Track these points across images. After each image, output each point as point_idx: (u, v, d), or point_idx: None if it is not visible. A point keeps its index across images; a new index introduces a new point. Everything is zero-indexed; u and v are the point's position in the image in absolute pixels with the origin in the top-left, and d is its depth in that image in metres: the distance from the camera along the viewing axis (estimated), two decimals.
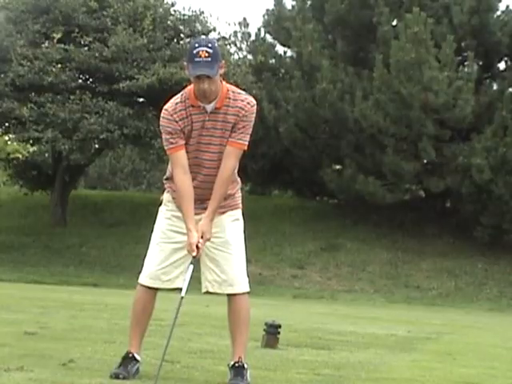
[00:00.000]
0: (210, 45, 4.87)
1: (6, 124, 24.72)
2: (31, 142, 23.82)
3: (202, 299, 12.52)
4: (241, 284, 4.99)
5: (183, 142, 4.97)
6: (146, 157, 27.52)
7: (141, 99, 24.22)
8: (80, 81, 23.65)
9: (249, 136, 5.05)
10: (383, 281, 21.50)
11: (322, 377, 5.35)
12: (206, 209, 4.95)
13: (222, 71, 4.92)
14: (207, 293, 5.17)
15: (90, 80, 24.11)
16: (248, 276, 5.19)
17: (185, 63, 4.94)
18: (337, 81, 23.43)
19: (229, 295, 4.97)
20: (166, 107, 4.98)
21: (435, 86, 21.94)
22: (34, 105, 22.19)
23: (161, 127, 5.06)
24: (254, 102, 5.01)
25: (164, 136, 5.04)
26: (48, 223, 25.68)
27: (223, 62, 5.00)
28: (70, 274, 21.29)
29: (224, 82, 5.01)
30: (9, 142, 26.76)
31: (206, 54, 4.77)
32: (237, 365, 4.80)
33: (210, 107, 4.90)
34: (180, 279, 4.99)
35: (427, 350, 7.81)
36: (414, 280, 22.17)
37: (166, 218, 5.10)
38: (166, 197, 5.14)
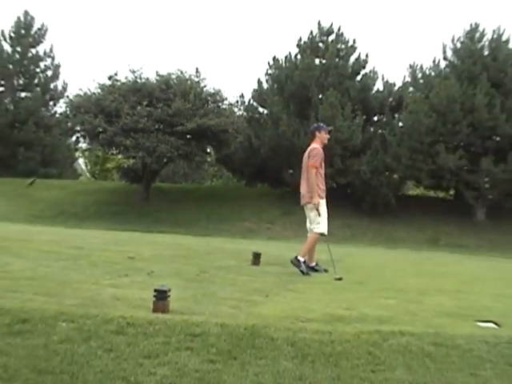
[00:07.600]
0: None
1: (118, 149, 28.45)
2: (131, 158, 29.10)
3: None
4: (314, 228, 8.07)
5: None
6: (190, 166, 33.26)
7: (188, 136, 27.64)
8: (156, 126, 27.27)
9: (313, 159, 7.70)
10: None
11: (284, 277, 7.39)
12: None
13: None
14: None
15: (162, 126, 27.44)
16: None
17: (318, 132, 7.58)
18: (290, 126, 27.87)
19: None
20: (318, 147, 7.63)
21: (342, 129, 27.05)
22: (133, 138, 26.28)
23: (316, 155, 7.44)
24: (315, 147, 7.51)
25: (317, 159, 7.45)
26: (139, 201, 29.68)
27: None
28: (151, 228, 23.76)
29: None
30: (120, 156, 33.56)
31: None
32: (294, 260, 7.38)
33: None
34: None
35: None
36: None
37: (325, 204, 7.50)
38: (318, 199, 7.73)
